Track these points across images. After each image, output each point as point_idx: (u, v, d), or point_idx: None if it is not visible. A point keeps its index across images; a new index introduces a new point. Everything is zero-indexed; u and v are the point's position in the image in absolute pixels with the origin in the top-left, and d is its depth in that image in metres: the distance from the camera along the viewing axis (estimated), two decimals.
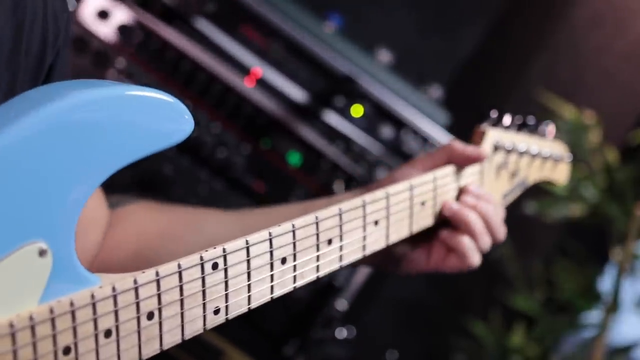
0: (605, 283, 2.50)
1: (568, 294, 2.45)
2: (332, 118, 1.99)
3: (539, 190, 2.45)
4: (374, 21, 2.77)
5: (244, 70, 1.96)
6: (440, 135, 2.00)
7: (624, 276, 2.40)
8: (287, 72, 1.99)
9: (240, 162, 1.97)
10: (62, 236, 0.75)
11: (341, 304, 1.98)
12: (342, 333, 2.08)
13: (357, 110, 2.00)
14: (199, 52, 1.94)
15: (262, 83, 1.97)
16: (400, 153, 2.00)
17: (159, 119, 0.80)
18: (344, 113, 2.00)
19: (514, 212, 2.55)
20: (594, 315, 2.48)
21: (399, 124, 2.00)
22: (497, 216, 1.17)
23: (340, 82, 1.99)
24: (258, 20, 1.97)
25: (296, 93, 1.98)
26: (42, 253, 0.73)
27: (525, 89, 2.64)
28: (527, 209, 2.44)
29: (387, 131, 2.01)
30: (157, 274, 0.80)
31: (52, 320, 0.72)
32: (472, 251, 1.15)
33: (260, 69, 1.97)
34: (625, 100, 2.65)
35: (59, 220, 0.74)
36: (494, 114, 1.25)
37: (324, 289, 1.97)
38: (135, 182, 1.94)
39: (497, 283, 2.60)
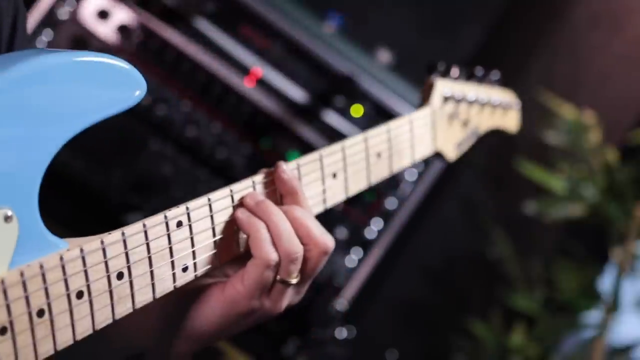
0: (605, 283, 2.50)
1: (568, 294, 2.45)
2: (332, 118, 1.99)
3: (539, 190, 2.46)
4: (374, 21, 2.77)
5: (244, 70, 1.96)
6: None
7: (624, 276, 2.40)
8: (287, 72, 1.99)
9: (240, 162, 1.97)
10: (26, 202, 0.76)
11: (341, 304, 1.98)
12: (342, 333, 2.08)
13: (357, 110, 2.00)
14: (199, 52, 1.94)
15: (262, 83, 1.97)
16: None
17: (109, 83, 0.81)
18: (344, 113, 2.00)
19: (514, 212, 2.56)
20: (594, 315, 2.48)
21: None
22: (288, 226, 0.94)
23: (340, 82, 1.99)
24: (258, 20, 1.97)
25: (296, 93, 1.98)
26: (7, 219, 0.75)
27: (525, 89, 2.64)
28: (527, 209, 2.44)
29: None
30: (122, 234, 0.82)
31: (23, 283, 0.74)
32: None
33: (260, 69, 1.97)
34: (625, 100, 2.65)
35: (21, 187, 0.76)
36: (441, 66, 1.25)
37: (324, 288, 1.97)
38: (136, 182, 1.95)
39: (497, 283, 2.60)
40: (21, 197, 0.76)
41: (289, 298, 0.96)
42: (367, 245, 1.99)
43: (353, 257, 1.97)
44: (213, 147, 1.96)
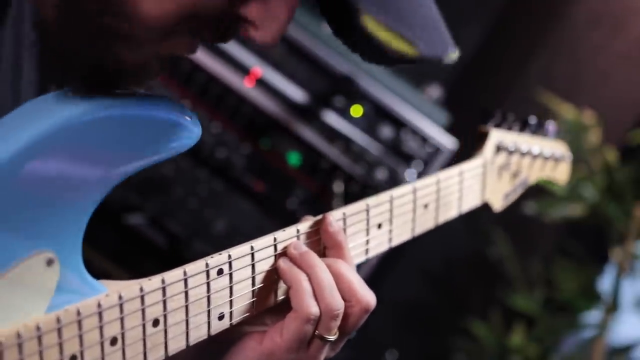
0: (605, 283, 2.50)
1: (568, 294, 2.45)
2: (331, 118, 1.99)
3: (539, 190, 2.46)
4: None
5: (243, 70, 1.96)
6: (439, 136, 2.00)
7: (624, 276, 2.40)
8: (287, 72, 1.99)
9: (240, 162, 1.97)
10: (69, 246, 0.75)
11: None
12: None
13: (356, 110, 2.00)
14: (199, 52, 1.94)
15: (261, 83, 1.97)
16: (400, 153, 2.00)
17: (167, 133, 0.79)
18: (344, 113, 2.00)
19: (514, 212, 2.56)
20: (593, 315, 2.49)
21: (399, 124, 2.00)
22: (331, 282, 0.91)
23: (340, 82, 1.99)
24: None
25: (296, 93, 1.98)
26: (49, 262, 0.73)
27: (525, 89, 2.64)
28: (527, 209, 2.44)
29: (386, 131, 2.01)
30: (163, 281, 0.80)
31: (59, 330, 0.72)
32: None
33: (260, 69, 1.97)
34: (625, 100, 2.65)
35: (66, 230, 0.75)
36: (497, 114, 1.24)
37: None
38: (136, 182, 1.95)
39: (497, 283, 2.60)
40: (65, 241, 0.74)
41: (325, 353, 0.93)
42: None
43: None
44: (213, 147, 1.96)
